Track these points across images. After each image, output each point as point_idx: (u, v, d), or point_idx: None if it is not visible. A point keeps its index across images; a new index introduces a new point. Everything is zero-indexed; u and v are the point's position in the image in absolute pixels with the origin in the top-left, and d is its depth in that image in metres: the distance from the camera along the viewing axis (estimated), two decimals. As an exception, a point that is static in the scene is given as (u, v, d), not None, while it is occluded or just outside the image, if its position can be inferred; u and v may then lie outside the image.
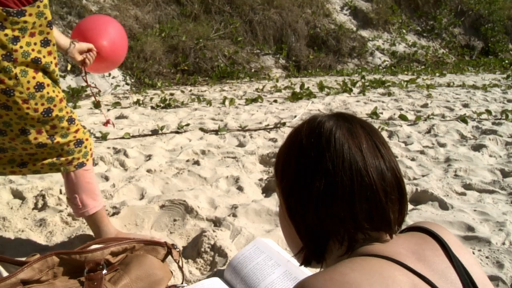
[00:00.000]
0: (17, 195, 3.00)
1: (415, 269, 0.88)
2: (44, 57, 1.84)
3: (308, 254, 1.03)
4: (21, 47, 1.74)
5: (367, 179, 0.94)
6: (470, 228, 2.52)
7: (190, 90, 8.29)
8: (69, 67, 7.56)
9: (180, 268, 1.84)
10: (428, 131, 4.93)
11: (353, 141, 0.97)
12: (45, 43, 1.85)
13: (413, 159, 3.92)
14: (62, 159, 2.05)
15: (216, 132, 4.87)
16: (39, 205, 2.85)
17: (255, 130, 4.91)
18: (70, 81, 7.44)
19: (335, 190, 0.94)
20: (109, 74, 7.92)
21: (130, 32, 8.58)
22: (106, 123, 2.60)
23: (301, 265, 1.07)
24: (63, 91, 7.16)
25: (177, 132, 4.79)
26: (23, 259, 1.63)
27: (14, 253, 2.22)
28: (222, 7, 11.13)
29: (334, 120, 1.02)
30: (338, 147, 0.96)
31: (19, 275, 1.53)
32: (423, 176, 3.45)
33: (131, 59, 8.45)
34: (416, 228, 1.07)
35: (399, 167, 1.01)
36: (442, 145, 4.37)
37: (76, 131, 2.06)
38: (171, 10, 10.36)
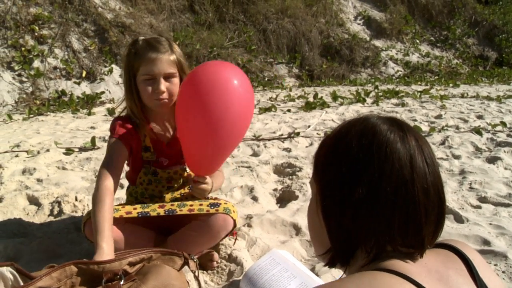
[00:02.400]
0: (33, 201, 3.02)
1: None
2: None
3: (334, 256, 1.01)
4: None
5: (411, 193, 0.90)
6: (486, 242, 2.50)
7: (204, 98, 8.30)
8: (84, 74, 7.63)
9: (196, 278, 1.84)
10: (443, 143, 4.90)
11: (404, 152, 0.92)
12: None
13: (427, 171, 3.88)
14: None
15: (229, 141, 4.86)
16: (55, 212, 2.87)
17: (269, 140, 4.91)
18: (84, 88, 7.50)
19: (377, 200, 0.90)
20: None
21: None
22: None
23: (325, 265, 1.05)
24: (78, 97, 7.15)
25: (191, 141, 4.79)
26: (41, 269, 1.64)
27: (29, 260, 2.23)
28: (236, 16, 11.19)
29: (389, 125, 0.96)
30: (389, 155, 0.91)
31: (38, 283, 1.54)
32: (438, 188, 3.41)
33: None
34: (441, 245, 1.04)
35: (443, 189, 0.96)
36: (457, 157, 4.33)
37: None
38: (185, 18, 10.43)
